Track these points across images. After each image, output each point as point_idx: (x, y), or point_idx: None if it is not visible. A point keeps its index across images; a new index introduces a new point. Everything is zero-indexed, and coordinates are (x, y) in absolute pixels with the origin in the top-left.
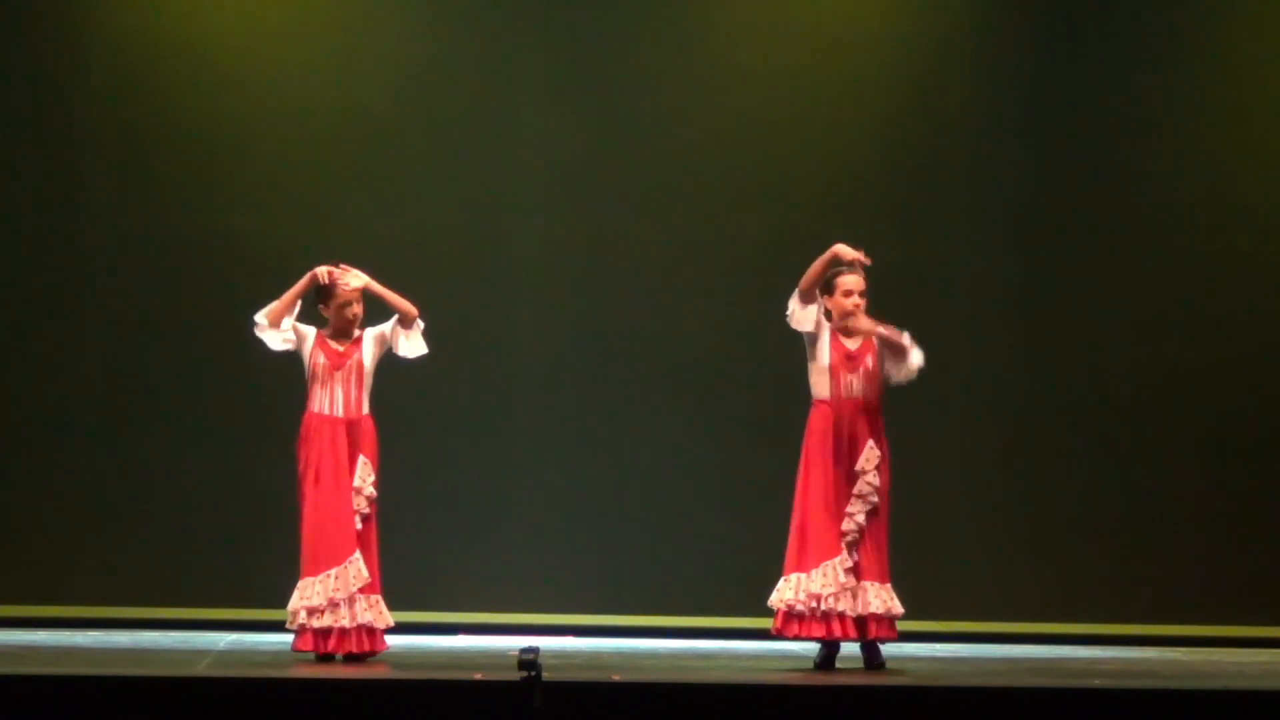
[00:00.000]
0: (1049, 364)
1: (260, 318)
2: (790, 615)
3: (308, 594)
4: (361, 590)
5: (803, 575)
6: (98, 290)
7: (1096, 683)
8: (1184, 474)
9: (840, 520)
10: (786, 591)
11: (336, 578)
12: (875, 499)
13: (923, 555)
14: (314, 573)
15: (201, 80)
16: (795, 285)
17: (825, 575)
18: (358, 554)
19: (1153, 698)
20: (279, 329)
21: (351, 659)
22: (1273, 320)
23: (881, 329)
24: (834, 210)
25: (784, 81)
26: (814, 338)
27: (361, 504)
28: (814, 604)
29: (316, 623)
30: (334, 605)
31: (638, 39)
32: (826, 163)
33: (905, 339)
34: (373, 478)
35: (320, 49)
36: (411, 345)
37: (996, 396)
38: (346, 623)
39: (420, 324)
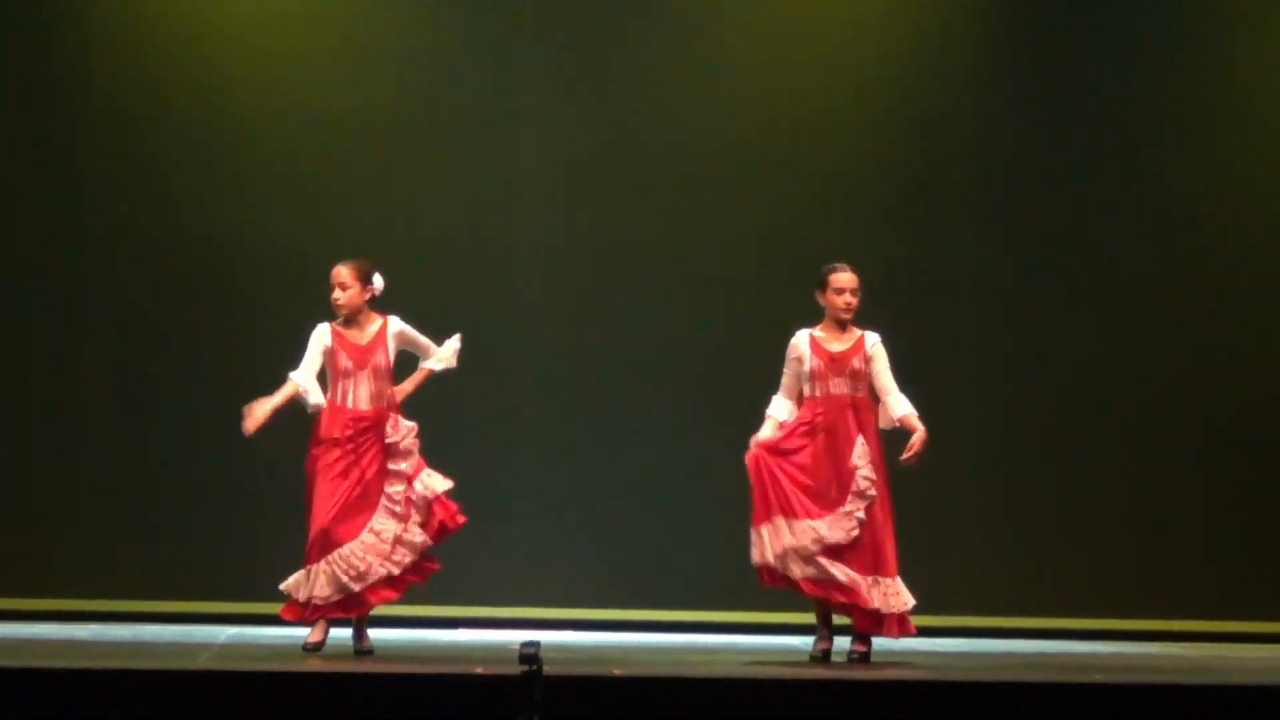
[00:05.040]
0: (1050, 360)
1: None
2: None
3: (310, 584)
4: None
5: (767, 528)
6: (100, 284)
7: (1097, 678)
8: (1186, 469)
9: (816, 496)
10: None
11: (336, 562)
12: (873, 493)
13: (924, 551)
14: (315, 560)
15: (205, 77)
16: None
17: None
18: (358, 542)
19: (1154, 693)
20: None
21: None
22: (1274, 317)
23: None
24: (835, 206)
25: (785, 78)
26: (799, 358)
27: (396, 491)
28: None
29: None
30: (341, 588)
31: (640, 36)
32: (828, 159)
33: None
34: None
35: (324, 45)
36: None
37: (998, 393)
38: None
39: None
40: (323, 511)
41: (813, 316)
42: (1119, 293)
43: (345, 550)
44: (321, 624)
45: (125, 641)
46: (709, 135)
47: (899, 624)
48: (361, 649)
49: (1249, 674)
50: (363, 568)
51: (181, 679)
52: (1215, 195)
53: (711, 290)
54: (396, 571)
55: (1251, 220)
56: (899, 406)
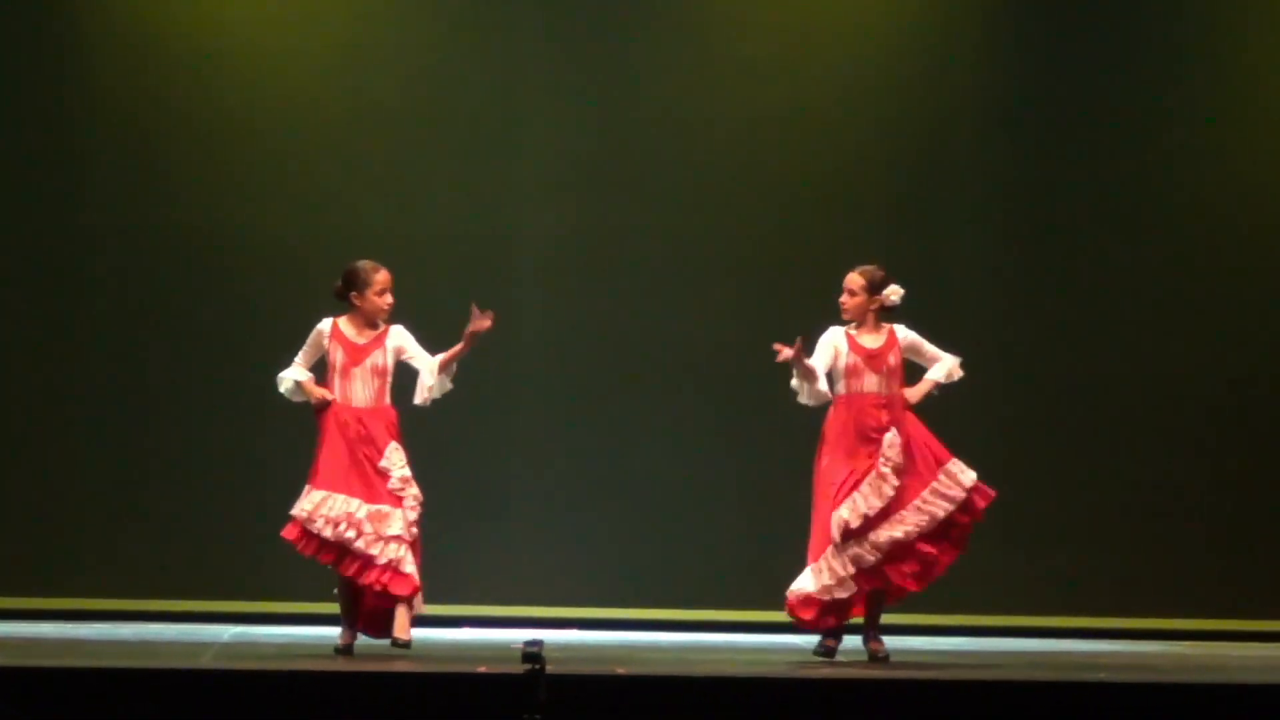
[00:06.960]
0: (1052, 357)
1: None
2: (804, 603)
3: (321, 504)
4: (388, 539)
5: (814, 567)
6: (101, 282)
7: (1101, 676)
8: (1188, 467)
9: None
10: (802, 582)
11: (351, 507)
12: (896, 481)
13: None
14: (328, 487)
15: (208, 73)
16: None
17: (822, 569)
18: (387, 508)
19: (1157, 692)
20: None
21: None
22: (1275, 317)
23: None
24: (837, 204)
25: (787, 75)
26: (835, 355)
27: (395, 484)
28: (825, 596)
29: (325, 531)
30: (350, 523)
31: (642, 33)
32: (830, 156)
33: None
34: (403, 461)
35: (326, 42)
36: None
37: (999, 390)
38: (363, 547)
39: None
40: (330, 457)
41: (812, 314)
42: (1120, 291)
43: (355, 505)
44: (348, 630)
45: (128, 640)
46: (711, 133)
47: (980, 495)
48: (399, 641)
49: (1252, 673)
50: (354, 533)
51: (184, 678)
52: (1218, 191)
53: (713, 289)
54: (380, 559)
55: (1255, 216)
56: (939, 370)
